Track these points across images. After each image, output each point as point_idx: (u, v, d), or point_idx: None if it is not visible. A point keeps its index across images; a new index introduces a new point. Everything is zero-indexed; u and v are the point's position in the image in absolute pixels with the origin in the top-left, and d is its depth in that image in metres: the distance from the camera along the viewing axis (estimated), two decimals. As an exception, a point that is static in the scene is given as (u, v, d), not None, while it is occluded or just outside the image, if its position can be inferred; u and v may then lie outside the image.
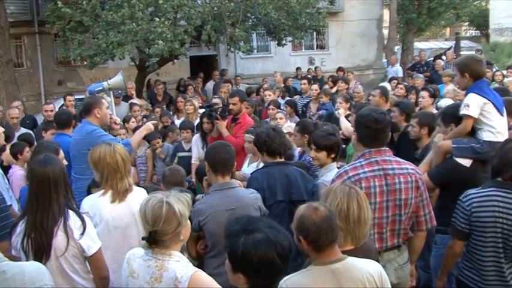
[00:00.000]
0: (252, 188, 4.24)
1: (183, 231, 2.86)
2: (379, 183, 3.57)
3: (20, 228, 3.38)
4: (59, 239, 3.33)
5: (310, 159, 5.13)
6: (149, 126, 6.05)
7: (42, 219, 3.31)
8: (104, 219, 3.81)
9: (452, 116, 4.66)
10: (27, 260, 3.30)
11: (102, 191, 3.91)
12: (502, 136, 4.61)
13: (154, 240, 2.80)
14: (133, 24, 12.11)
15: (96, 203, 3.88)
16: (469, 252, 3.68)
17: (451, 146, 4.46)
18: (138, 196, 3.96)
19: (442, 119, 4.77)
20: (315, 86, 10.05)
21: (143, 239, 2.84)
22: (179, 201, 2.83)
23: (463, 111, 4.48)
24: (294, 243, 2.51)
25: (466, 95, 4.65)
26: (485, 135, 4.46)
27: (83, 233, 3.38)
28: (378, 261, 3.19)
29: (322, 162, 4.74)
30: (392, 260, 3.70)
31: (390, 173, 3.61)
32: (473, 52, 17.34)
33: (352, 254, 2.96)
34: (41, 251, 3.31)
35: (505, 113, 4.65)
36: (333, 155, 4.70)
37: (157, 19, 12.44)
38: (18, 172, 5.87)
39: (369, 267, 2.84)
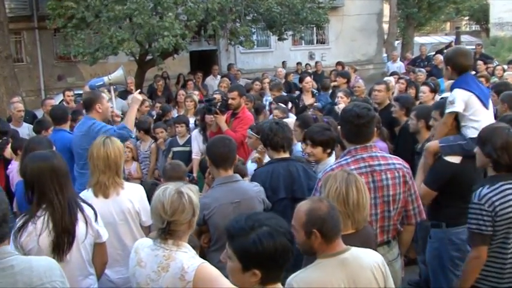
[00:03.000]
0: None
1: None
2: (366, 180, 3.46)
3: (33, 226, 3.25)
4: (80, 228, 3.33)
5: (305, 154, 5.07)
6: (136, 97, 5.91)
7: (63, 212, 3.25)
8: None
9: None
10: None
11: (90, 187, 3.94)
12: None
13: (169, 231, 2.81)
14: (141, 18, 12.06)
15: (87, 197, 3.87)
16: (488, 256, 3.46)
17: (439, 146, 4.41)
18: (130, 193, 3.96)
19: (441, 115, 4.72)
20: (308, 79, 10.03)
21: (159, 230, 2.84)
22: (191, 191, 2.85)
23: (448, 108, 4.44)
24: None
25: (451, 90, 4.62)
26: (470, 132, 4.37)
27: (96, 220, 3.43)
28: (376, 244, 3.31)
29: (318, 157, 4.71)
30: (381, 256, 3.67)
31: (377, 170, 3.56)
32: (473, 47, 17.32)
33: (354, 238, 3.04)
34: (60, 246, 3.25)
35: (490, 106, 4.61)
36: (328, 150, 4.66)
37: (167, 13, 12.41)
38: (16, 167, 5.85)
39: (373, 256, 2.87)
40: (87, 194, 3.91)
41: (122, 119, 6.70)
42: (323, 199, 2.82)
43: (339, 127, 3.88)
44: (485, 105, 4.50)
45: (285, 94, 10.02)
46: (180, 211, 2.77)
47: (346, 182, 3.09)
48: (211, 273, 2.76)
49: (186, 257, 2.78)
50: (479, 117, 4.42)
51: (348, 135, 3.71)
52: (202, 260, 2.81)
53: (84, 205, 3.44)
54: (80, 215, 3.35)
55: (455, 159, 4.40)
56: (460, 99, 4.38)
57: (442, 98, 6.53)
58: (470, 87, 4.47)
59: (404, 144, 5.99)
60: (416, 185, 4.37)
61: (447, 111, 4.44)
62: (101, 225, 3.49)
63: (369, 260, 2.81)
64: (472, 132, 4.35)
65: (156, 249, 2.86)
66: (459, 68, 4.53)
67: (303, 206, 2.78)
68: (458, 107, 4.37)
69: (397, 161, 3.70)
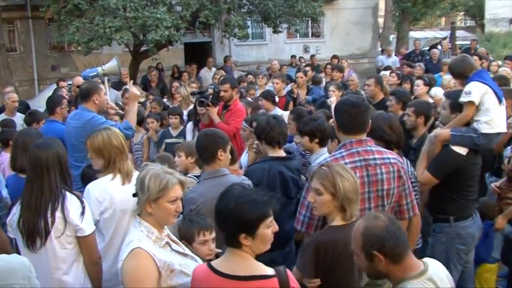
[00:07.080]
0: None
1: (150, 205, 2.88)
2: (360, 174, 3.47)
3: (16, 208, 3.45)
4: (57, 221, 3.37)
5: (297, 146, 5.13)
6: (134, 92, 5.70)
7: (36, 204, 3.37)
8: (114, 204, 3.78)
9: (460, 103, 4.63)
10: (22, 240, 3.39)
11: (111, 176, 3.86)
12: (499, 127, 4.59)
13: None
14: (135, 12, 12.02)
15: (106, 187, 3.83)
16: None
17: (450, 134, 4.42)
18: None
19: (451, 104, 4.70)
20: (300, 74, 10.03)
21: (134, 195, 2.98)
22: (152, 176, 2.89)
23: (464, 98, 4.48)
24: None
25: (466, 84, 4.64)
26: (483, 128, 4.45)
27: (82, 214, 3.44)
28: None
29: (307, 147, 4.73)
30: None
31: (372, 164, 3.53)
32: (468, 42, 17.37)
33: (344, 230, 3.05)
34: (33, 235, 3.35)
35: (503, 103, 4.65)
36: (316, 140, 4.65)
37: (160, 6, 12.36)
38: (7, 158, 5.78)
39: (440, 266, 2.74)
40: (110, 184, 3.83)
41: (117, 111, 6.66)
42: (379, 215, 2.62)
43: (332, 120, 3.85)
44: (501, 101, 4.55)
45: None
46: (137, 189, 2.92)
47: (336, 174, 3.12)
48: (134, 263, 2.76)
49: (136, 237, 2.84)
50: (493, 113, 4.48)
51: (344, 125, 3.64)
52: (139, 245, 2.79)
53: (70, 197, 3.45)
54: (59, 209, 3.38)
55: (462, 151, 4.42)
56: (477, 91, 4.45)
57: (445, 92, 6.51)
58: (488, 82, 4.54)
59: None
60: (418, 171, 4.47)
61: (464, 100, 4.49)
62: (87, 220, 3.48)
63: (442, 269, 2.69)
64: (485, 128, 4.46)
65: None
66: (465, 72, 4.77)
67: (358, 227, 2.61)
68: (474, 98, 4.42)
69: (392, 156, 3.68)
